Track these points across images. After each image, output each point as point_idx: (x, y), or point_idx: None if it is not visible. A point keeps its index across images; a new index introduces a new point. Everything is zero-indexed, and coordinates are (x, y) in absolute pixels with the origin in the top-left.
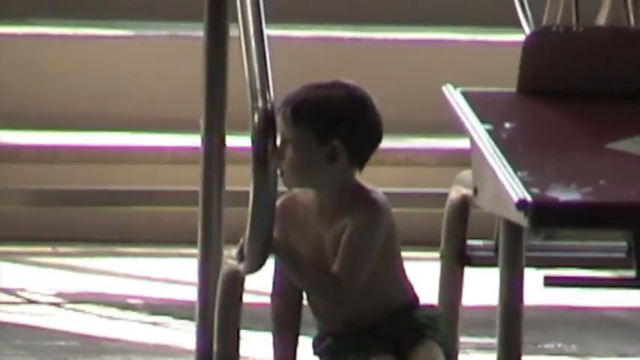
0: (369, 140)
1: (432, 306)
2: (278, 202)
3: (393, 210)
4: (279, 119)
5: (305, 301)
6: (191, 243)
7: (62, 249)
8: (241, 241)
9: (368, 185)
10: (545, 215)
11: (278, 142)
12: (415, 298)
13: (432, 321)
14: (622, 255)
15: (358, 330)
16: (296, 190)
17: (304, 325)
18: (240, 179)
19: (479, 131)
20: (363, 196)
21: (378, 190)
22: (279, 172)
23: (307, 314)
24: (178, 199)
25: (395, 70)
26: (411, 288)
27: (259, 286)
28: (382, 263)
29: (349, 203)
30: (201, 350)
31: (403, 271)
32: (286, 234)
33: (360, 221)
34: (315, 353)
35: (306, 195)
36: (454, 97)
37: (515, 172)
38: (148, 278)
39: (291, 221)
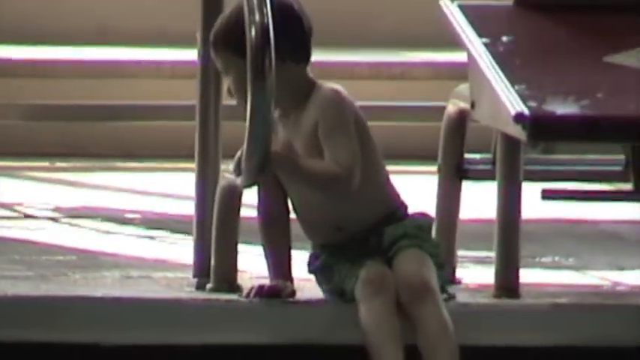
0: (294, 36)
1: (422, 214)
2: None
3: (390, 123)
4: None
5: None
6: (189, 157)
7: (60, 164)
8: (238, 154)
9: (320, 81)
10: (542, 128)
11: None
12: (403, 206)
13: (422, 230)
14: (619, 168)
15: (349, 241)
16: None
17: (300, 240)
18: None
19: (476, 45)
20: (318, 88)
21: (332, 84)
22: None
23: (300, 230)
24: (176, 114)
25: None
26: (398, 197)
27: (256, 200)
28: (363, 168)
29: (308, 100)
30: (198, 264)
31: (388, 180)
32: None
33: (325, 108)
34: (310, 271)
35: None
36: (451, 10)
37: (513, 85)
38: (146, 193)
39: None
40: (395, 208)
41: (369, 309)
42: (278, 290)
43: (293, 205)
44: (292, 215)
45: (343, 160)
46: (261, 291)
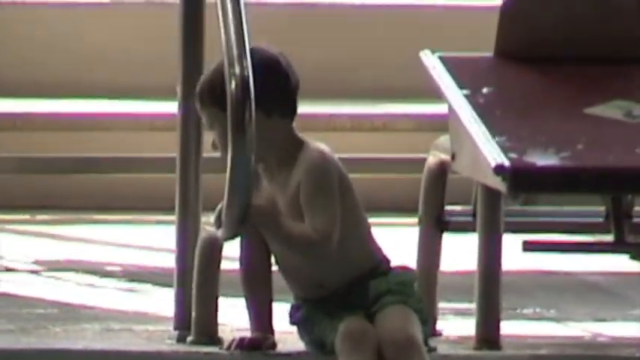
0: (280, 92)
1: (404, 268)
2: None
3: (371, 176)
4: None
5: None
6: (169, 210)
7: (40, 217)
8: (219, 207)
9: (306, 138)
10: (523, 180)
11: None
12: (386, 260)
13: (405, 286)
14: (600, 219)
15: (331, 295)
16: None
17: (282, 292)
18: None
19: (456, 96)
20: (305, 147)
21: (319, 143)
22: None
23: (282, 281)
24: (156, 166)
25: (372, 35)
26: (380, 251)
27: (237, 252)
28: (345, 225)
29: (294, 158)
30: (179, 317)
31: (370, 234)
32: None
33: (308, 170)
34: (292, 323)
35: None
36: (431, 62)
37: (493, 137)
38: (126, 245)
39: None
40: (378, 262)
41: None
42: (259, 342)
43: (275, 258)
44: (274, 267)
45: (320, 225)
46: (242, 343)
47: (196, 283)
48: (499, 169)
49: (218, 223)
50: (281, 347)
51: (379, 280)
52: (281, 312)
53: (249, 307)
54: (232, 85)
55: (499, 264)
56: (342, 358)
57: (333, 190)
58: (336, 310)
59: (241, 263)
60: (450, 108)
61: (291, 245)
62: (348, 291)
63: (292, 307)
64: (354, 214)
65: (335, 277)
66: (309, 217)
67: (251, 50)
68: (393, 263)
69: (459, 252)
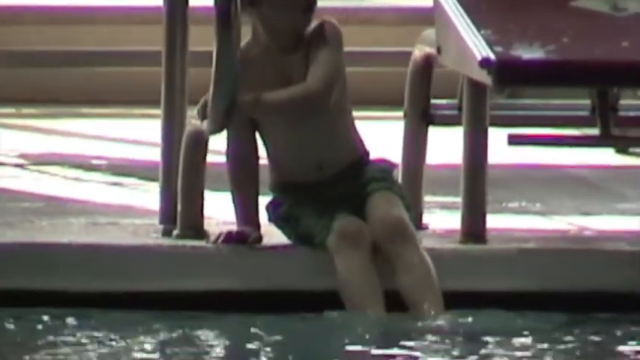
0: None
1: (383, 160)
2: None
3: (357, 69)
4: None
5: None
6: (155, 104)
7: (26, 110)
8: (202, 100)
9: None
10: (508, 73)
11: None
12: (366, 153)
13: (386, 173)
14: (586, 113)
15: (325, 181)
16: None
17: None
18: (203, 40)
19: None
20: (316, 24)
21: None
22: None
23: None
24: (142, 60)
25: None
26: (362, 143)
27: (222, 146)
28: (338, 111)
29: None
30: (165, 210)
31: (354, 125)
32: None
33: (324, 29)
34: (271, 220)
35: (254, 44)
36: None
37: (479, 30)
38: (113, 139)
39: (248, 69)
40: (361, 154)
41: (346, 263)
42: (246, 236)
43: (270, 147)
44: (261, 161)
45: (322, 72)
46: (229, 237)
47: (182, 176)
48: (485, 63)
49: (202, 115)
50: (267, 240)
51: (363, 170)
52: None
53: (235, 202)
54: None
55: (485, 158)
56: (339, 258)
57: (340, 52)
58: (323, 208)
59: (228, 158)
60: (436, 1)
61: (294, 104)
62: (334, 183)
63: (271, 204)
64: (345, 96)
65: (332, 159)
66: (314, 66)
67: None
68: (376, 156)
69: (445, 145)
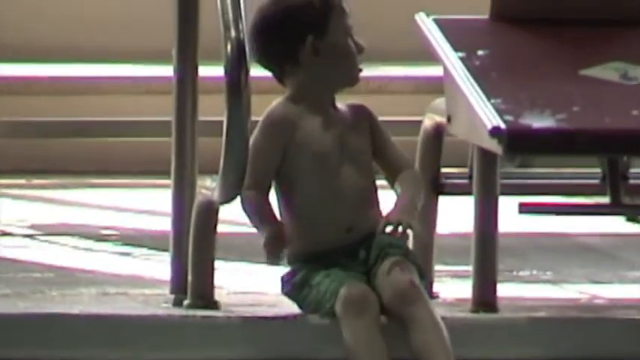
0: (324, 15)
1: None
2: (266, 122)
3: None
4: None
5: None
6: (165, 174)
7: (36, 181)
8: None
9: None
10: (519, 142)
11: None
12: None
13: (400, 241)
14: (596, 181)
15: (341, 248)
16: (274, 104)
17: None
18: (213, 109)
19: (452, 59)
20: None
21: None
22: None
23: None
24: (152, 130)
25: None
26: (381, 211)
27: (234, 216)
28: (372, 172)
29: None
30: (175, 280)
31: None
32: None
33: (377, 121)
34: (285, 292)
35: (288, 101)
36: (427, 25)
37: (489, 99)
38: (122, 209)
39: (291, 130)
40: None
41: (353, 329)
42: (282, 234)
43: (298, 208)
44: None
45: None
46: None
47: (192, 246)
48: (495, 131)
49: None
50: (277, 311)
51: (381, 236)
52: (278, 276)
53: (257, 212)
54: (228, 48)
55: (495, 226)
56: (345, 324)
57: None
58: (337, 273)
59: (245, 191)
60: (446, 70)
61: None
62: (356, 249)
63: (287, 274)
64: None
65: (362, 221)
66: (399, 153)
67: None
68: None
69: (456, 214)
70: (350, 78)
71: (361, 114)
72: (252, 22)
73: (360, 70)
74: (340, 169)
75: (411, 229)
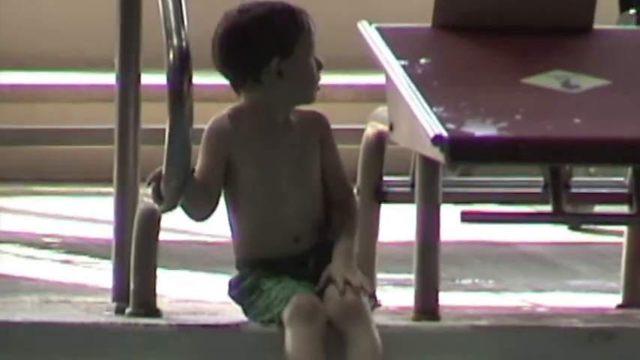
0: (292, 37)
1: None
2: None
3: None
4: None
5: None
6: (108, 181)
7: None
8: (151, 175)
9: None
10: (461, 150)
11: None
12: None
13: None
14: (538, 190)
15: (297, 256)
16: (220, 114)
17: (225, 264)
18: (156, 117)
19: (394, 67)
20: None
21: None
22: None
23: (219, 254)
24: (95, 138)
25: (310, 6)
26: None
27: (175, 224)
28: (319, 185)
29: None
30: (117, 288)
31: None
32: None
33: (330, 133)
34: (232, 295)
35: (237, 113)
36: (369, 32)
37: (431, 107)
38: (65, 217)
39: (234, 141)
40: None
41: (297, 337)
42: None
43: (245, 218)
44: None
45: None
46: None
47: (135, 254)
48: (437, 140)
49: (156, 193)
50: (219, 318)
51: (329, 250)
52: (220, 284)
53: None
54: (170, 56)
55: (438, 234)
56: (290, 331)
57: None
58: (288, 281)
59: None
60: (388, 78)
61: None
62: (309, 255)
63: (235, 278)
64: None
65: (309, 232)
66: (341, 174)
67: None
68: None
69: (398, 223)
70: (309, 97)
71: (316, 122)
72: (218, 29)
73: (319, 87)
74: (285, 180)
75: (351, 285)
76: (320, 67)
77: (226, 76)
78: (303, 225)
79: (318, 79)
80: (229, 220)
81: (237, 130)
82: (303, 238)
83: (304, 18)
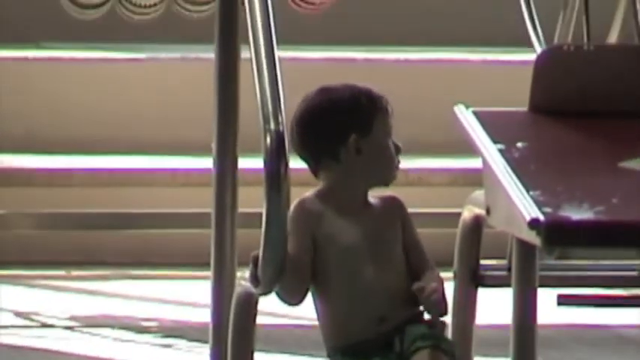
0: (371, 115)
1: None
2: (297, 210)
3: None
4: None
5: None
6: (204, 265)
7: (76, 272)
8: (252, 257)
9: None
10: (557, 234)
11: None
12: (421, 312)
13: (438, 330)
14: (635, 273)
15: (374, 340)
16: (302, 197)
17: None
18: (252, 201)
19: (490, 151)
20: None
21: None
22: None
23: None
24: (191, 222)
25: (407, 90)
26: (417, 301)
27: (273, 307)
28: (403, 259)
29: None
30: None
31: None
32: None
33: (408, 213)
34: None
35: (320, 195)
36: (466, 117)
37: (528, 191)
38: (162, 301)
39: (317, 224)
40: (417, 311)
41: None
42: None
43: (329, 301)
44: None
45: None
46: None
47: (232, 338)
48: (534, 223)
49: (253, 279)
50: None
51: (416, 327)
52: None
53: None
54: (267, 141)
55: (534, 318)
56: None
57: None
58: None
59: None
60: (485, 162)
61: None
62: (394, 334)
63: None
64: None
65: (396, 311)
66: (423, 255)
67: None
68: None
69: (495, 306)
70: (387, 178)
71: (394, 206)
72: (296, 112)
73: (398, 169)
74: (369, 263)
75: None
76: (398, 151)
77: (305, 159)
78: (388, 305)
79: (398, 162)
80: (315, 305)
81: (319, 211)
82: (389, 318)
83: (383, 100)
